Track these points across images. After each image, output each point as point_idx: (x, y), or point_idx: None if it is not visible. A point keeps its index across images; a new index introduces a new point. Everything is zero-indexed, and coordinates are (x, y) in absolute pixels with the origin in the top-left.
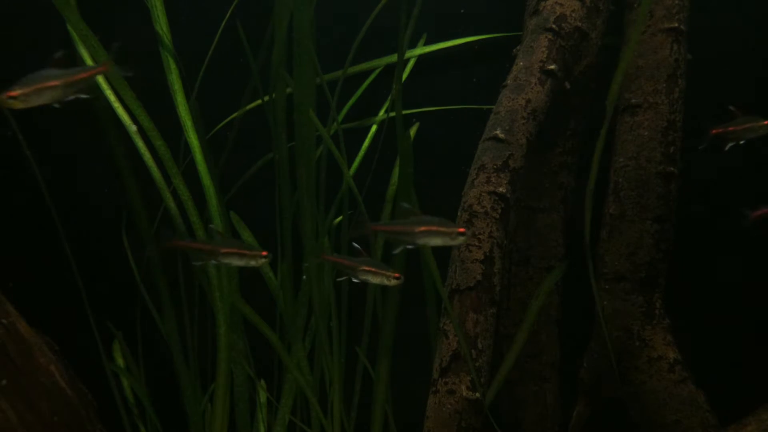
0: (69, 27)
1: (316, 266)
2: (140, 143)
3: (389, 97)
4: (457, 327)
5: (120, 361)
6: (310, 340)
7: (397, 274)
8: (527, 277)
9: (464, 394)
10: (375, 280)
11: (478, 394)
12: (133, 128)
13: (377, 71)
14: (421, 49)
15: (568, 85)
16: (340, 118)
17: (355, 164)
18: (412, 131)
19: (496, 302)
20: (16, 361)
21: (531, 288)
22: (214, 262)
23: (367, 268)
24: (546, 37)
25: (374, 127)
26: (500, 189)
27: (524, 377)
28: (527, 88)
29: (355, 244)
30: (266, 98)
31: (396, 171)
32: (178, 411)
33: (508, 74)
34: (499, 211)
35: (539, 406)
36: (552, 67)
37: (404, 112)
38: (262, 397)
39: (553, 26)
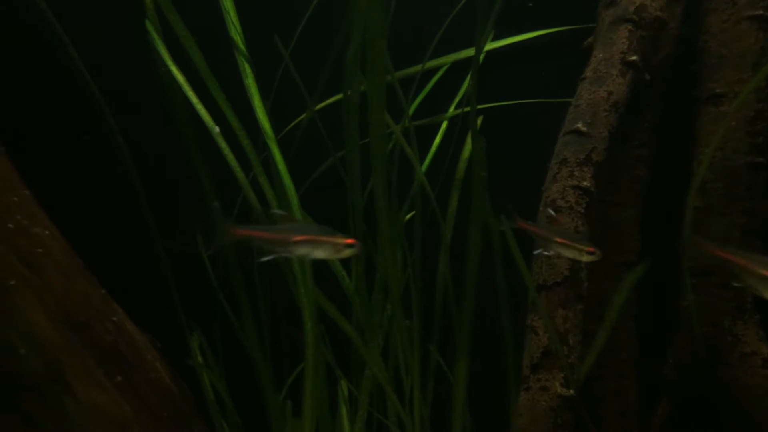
0: (148, 25)
1: (392, 261)
2: (223, 144)
3: (459, 94)
4: (550, 322)
5: (199, 358)
6: (381, 338)
7: (591, 248)
8: (603, 272)
9: (558, 390)
10: (568, 253)
11: (572, 391)
12: (216, 130)
13: (445, 68)
14: (490, 45)
15: (647, 76)
16: (410, 114)
17: (427, 161)
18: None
19: (583, 298)
20: (128, 358)
21: (608, 284)
22: (286, 255)
23: (561, 240)
24: (626, 27)
25: (445, 123)
26: (584, 183)
27: (603, 374)
28: (608, 80)
29: (551, 211)
30: (326, 102)
31: (461, 166)
32: (258, 407)
33: (587, 67)
34: (584, 205)
35: (620, 404)
36: (633, 58)
37: (478, 107)
38: (344, 392)
39: (633, 16)
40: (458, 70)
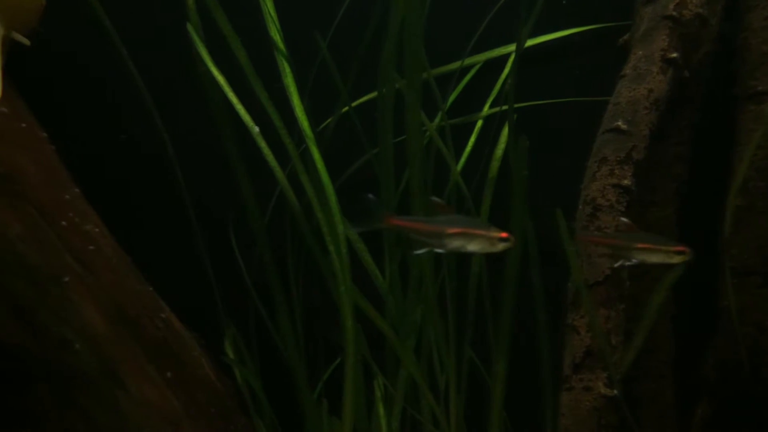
0: (190, 28)
1: (427, 259)
2: (263, 143)
3: (493, 92)
4: (597, 321)
5: (231, 354)
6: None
7: (681, 248)
8: (641, 271)
9: (602, 390)
10: (654, 258)
11: (615, 391)
12: (255, 130)
13: (477, 66)
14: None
15: (687, 74)
16: (442, 113)
17: (463, 160)
18: (506, 128)
19: (625, 298)
20: (177, 354)
21: (646, 283)
22: (439, 250)
23: (644, 246)
24: (666, 24)
25: (480, 122)
26: (624, 181)
27: (641, 374)
28: (648, 78)
29: (624, 219)
30: (359, 100)
31: (494, 164)
32: (292, 405)
33: (625, 64)
34: (625, 204)
35: (658, 404)
36: (674, 55)
37: (515, 105)
38: (378, 391)
39: (674, 13)
40: (485, 69)
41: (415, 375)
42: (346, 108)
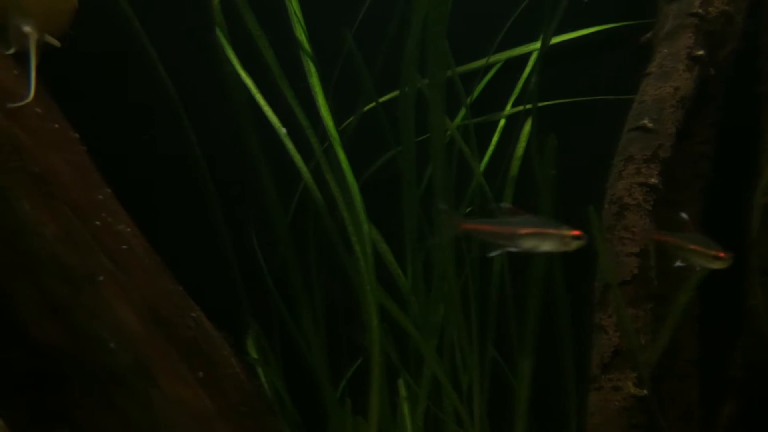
0: (218, 33)
1: (450, 259)
2: (289, 144)
3: (515, 91)
4: (627, 320)
5: (254, 354)
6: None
7: (722, 254)
8: (665, 271)
9: (631, 390)
10: (700, 261)
11: (645, 391)
12: (282, 131)
13: (499, 65)
14: (535, 44)
15: (713, 71)
16: (462, 112)
17: (485, 160)
18: (527, 127)
19: (652, 297)
20: (208, 354)
21: (669, 282)
22: (513, 249)
23: (696, 248)
24: (692, 22)
25: (502, 121)
26: (651, 180)
27: (664, 374)
28: (674, 76)
29: (683, 214)
30: (382, 98)
31: (515, 163)
32: (315, 405)
33: (650, 62)
34: (651, 202)
35: (682, 404)
36: (700, 52)
37: (539, 104)
38: (403, 391)
39: (699, 10)
40: (505, 68)
41: (438, 374)
42: (370, 105)
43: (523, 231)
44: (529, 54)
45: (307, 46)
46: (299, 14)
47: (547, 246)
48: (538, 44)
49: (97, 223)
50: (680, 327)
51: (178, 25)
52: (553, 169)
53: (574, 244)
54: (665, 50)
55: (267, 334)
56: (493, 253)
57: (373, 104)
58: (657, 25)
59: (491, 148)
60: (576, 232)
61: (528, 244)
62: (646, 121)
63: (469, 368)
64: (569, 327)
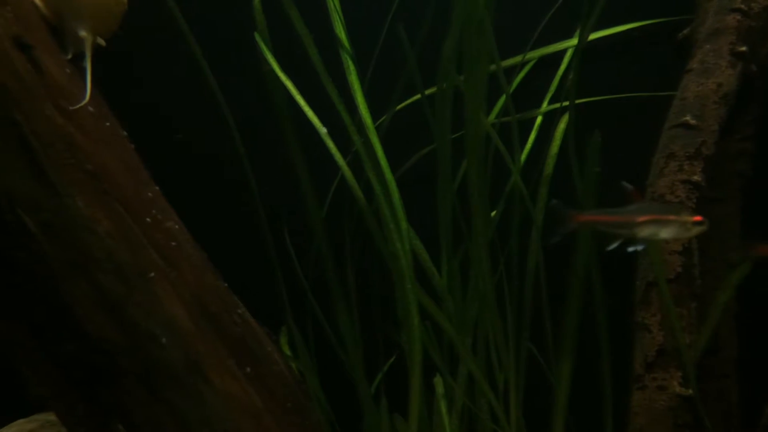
0: (258, 36)
1: (486, 260)
2: (330, 143)
3: (551, 88)
4: (675, 319)
5: (287, 351)
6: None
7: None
8: (704, 269)
9: (677, 390)
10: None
11: (690, 391)
12: (323, 131)
13: (533, 62)
14: (573, 40)
15: (755, 68)
16: (496, 110)
17: (523, 156)
18: (562, 124)
19: (696, 296)
20: (254, 350)
21: (709, 281)
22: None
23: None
24: (734, 17)
25: (540, 119)
26: (694, 177)
27: (704, 374)
28: (717, 72)
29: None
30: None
31: (550, 161)
32: (349, 403)
33: (691, 59)
34: (694, 200)
35: (723, 404)
36: (742, 48)
37: (577, 101)
38: (440, 388)
39: (742, 6)
40: (537, 65)
41: (475, 373)
42: (407, 102)
43: (642, 219)
44: (562, 52)
45: (347, 43)
46: (339, 11)
47: (666, 233)
48: (573, 41)
49: (148, 219)
50: (720, 326)
51: (213, 24)
52: (598, 167)
53: (695, 230)
54: (707, 46)
55: (301, 331)
56: (612, 246)
57: (407, 102)
58: (696, 22)
59: (528, 146)
60: (697, 218)
61: (646, 232)
62: (688, 118)
63: (504, 367)
64: (605, 326)
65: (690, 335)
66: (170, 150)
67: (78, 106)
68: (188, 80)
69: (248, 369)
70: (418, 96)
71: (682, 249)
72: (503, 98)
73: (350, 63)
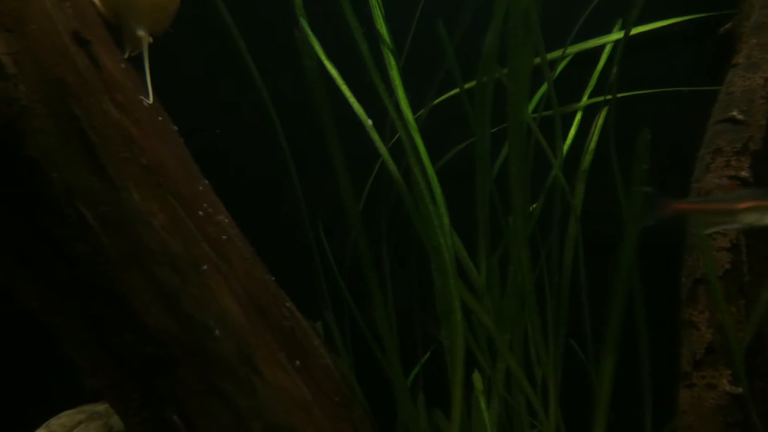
0: (303, 22)
1: (525, 256)
2: (375, 136)
3: (591, 83)
4: (726, 316)
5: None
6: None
7: None
8: (748, 267)
9: (727, 388)
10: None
11: (740, 389)
12: (368, 123)
13: (569, 58)
14: (616, 34)
15: None
16: (532, 105)
17: (564, 152)
18: (601, 119)
19: (744, 293)
20: (302, 343)
21: (753, 278)
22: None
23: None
24: None
25: (579, 114)
26: (742, 173)
27: (748, 373)
28: (764, 66)
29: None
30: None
31: (587, 157)
32: (385, 399)
33: (737, 53)
34: None
35: (766, 403)
36: None
37: (619, 95)
38: (479, 384)
39: None
40: (575, 60)
41: (514, 369)
42: (446, 96)
43: (743, 206)
44: (601, 46)
45: (387, 38)
46: (380, 5)
47: None
48: (614, 36)
49: (200, 213)
50: (764, 323)
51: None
52: (646, 164)
53: None
54: (753, 40)
55: (338, 326)
56: (710, 230)
57: (445, 96)
58: (739, 16)
59: (569, 140)
60: None
61: (749, 219)
62: (735, 113)
63: (543, 364)
64: (645, 324)
65: (739, 333)
66: (209, 146)
67: (149, 102)
68: (226, 78)
69: (297, 362)
70: (457, 90)
71: (730, 245)
72: (540, 92)
73: (391, 58)
